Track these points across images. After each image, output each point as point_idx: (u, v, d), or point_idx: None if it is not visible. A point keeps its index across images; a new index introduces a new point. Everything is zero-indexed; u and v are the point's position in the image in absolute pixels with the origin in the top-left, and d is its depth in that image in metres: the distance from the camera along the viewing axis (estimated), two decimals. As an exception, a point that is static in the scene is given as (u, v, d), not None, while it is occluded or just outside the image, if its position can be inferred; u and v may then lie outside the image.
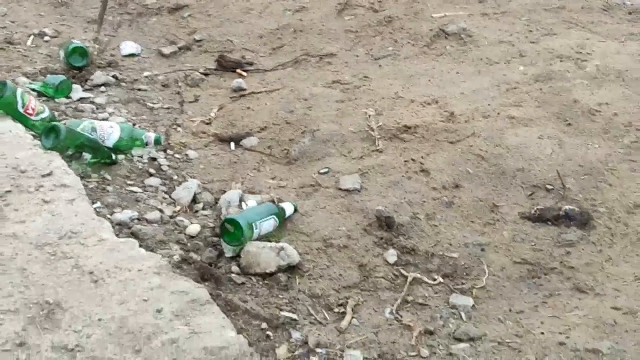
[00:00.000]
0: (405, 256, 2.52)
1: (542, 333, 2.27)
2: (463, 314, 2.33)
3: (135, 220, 2.58)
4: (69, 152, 2.78)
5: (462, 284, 2.45)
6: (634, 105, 3.03)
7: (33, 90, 3.06)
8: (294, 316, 2.29)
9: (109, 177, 2.78)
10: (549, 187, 2.69)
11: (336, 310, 2.34)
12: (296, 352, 2.18)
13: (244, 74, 3.50)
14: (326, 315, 2.32)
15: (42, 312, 2.17)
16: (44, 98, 3.07)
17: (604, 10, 3.75)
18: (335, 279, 2.44)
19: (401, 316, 2.32)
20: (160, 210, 2.66)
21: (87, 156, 2.83)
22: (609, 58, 3.22)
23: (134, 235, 2.48)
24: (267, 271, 2.41)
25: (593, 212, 2.63)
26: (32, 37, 3.58)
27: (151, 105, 3.27)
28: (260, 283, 2.40)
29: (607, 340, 2.22)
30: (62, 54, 3.42)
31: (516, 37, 3.54)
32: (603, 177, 2.75)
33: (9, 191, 2.57)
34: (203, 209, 2.72)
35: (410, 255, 2.53)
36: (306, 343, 2.21)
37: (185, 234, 2.56)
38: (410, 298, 2.38)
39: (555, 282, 2.44)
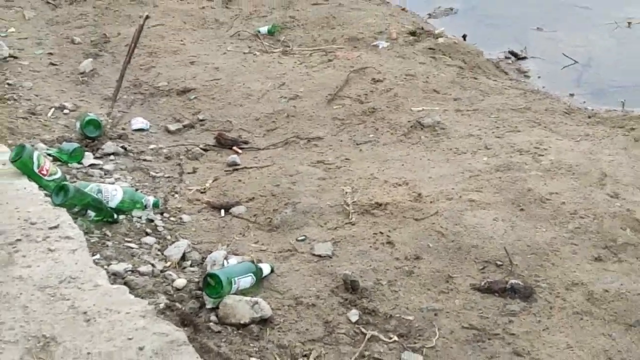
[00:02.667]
0: (366, 316, 2.48)
1: None
2: None
3: (129, 272, 2.60)
4: (76, 209, 2.81)
5: (415, 343, 2.41)
6: (580, 196, 3.05)
7: (49, 155, 3.11)
8: (262, 363, 2.35)
9: (109, 234, 2.79)
10: (499, 263, 2.71)
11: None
12: None
13: (239, 151, 3.51)
14: None
15: (38, 344, 2.23)
16: (58, 162, 3.12)
17: (566, 113, 3.76)
18: (302, 332, 2.42)
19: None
20: (153, 265, 2.65)
21: (91, 214, 2.85)
22: (562, 154, 3.25)
23: (126, 284, 2.49)
24: (242, 322, 2.42)
25: (536, 287, 2.64)
26: (52, 109, 3.63)
27: (154, 174, 3.31)
28: (235, 332, 2.38)
29: None
30: (78, 125, 3.47)
31: (484, 131, 3.50)
32: (547, 257, 2.76)
33: (19, 240, 2.62)
34: (191, 265, 2.70)
35: (371, 316, 2.50)
36: None
37: (172, 286, 2.56)
38: (367, 353, 2.33)
39: (497, 347, 2.43)
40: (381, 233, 2.88)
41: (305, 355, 2.37)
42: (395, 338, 2.46)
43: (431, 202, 3.03)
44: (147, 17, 4.18)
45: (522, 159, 3.28)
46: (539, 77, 4.25)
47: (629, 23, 4.63)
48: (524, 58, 4.36)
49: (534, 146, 3.38)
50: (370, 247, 2.82)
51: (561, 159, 3.26)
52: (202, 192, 3.22)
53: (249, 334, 2.43)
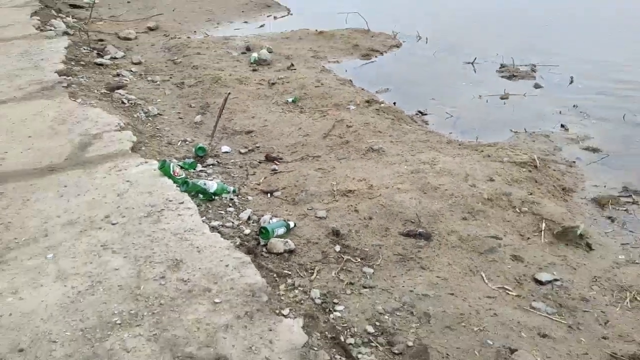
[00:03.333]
0: (344, 248, 2.49)
1: (404, 283, 2.30)
2: (368, 276, 2.35)
3: (221, 226, 2.63)
4: (192, 194, 2.84)
5: (369, 262, 2.42)
6: (454, 186, 2.97)
7: (179, 165, 3.11)
8: (290, 272, 2.35)
9: (210, 206, 2.83)
10: (413, 221, 2.69)
11: (310, 271, 2.35)
12: (288, 289, 2.25)
13: (278, 163, 3.48)
14: (304, 274, 2.35)
15: (173, 264, 2.25)
16: (183, 169, 3.13)
17: (447, 143, 3.73)
18: (310, 257, 2.42)
19: (340, 277, 2.36)
20: (232, 222, 2.69)
21: (201, 196, 2.88)
22: (446, 164, 3.21)
23: (219, 232, 2.53)
24: (279, 252, 2.44)
25: (432, 233, 2.64)
26: (180, 141, 3.64)
27: (233, 175, 3.31)
28: (275, 257, 2.43)
29: (432, 291, 2.26)
30: (193, 149, 3.48)
31: (405, 153, 3.45)
32: (438, 217, 2.72)
33: (163, 209, 2.64)
34: (252, 222, 2.71)
35: (346, 248, 2.50)
36: (294, 285, 2.28)
37: (243, 233, 2.59)
38: (344, 268, 2.39)
39: (412, 264, 2.41)
40: (351, 206, 2.84)
41: (312, 269, 2.40)
42: (359, 260, 2.48)
43: (377, 189, 2.98)
44: (229, 94, 4.18)
45: (424, 167, 3.23)
46: (433, 124, 4.22)
47: (506, 95, 4.53)
48: (425, 114, 4.33)
49: (430, 160, 3.32)
50: (346, 212, 2.78)
51: (445, 167, 3.21)
52: (258, 185, 3.18)
53: (283, 258, 2.45)
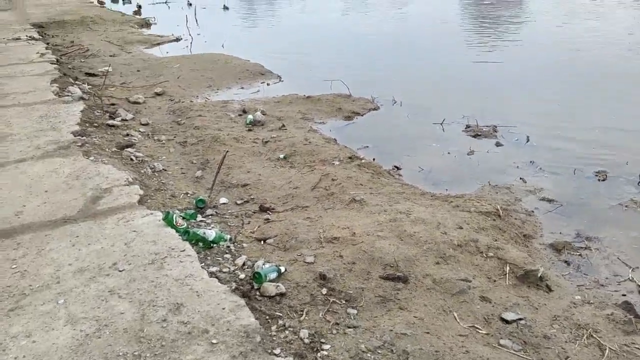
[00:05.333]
0: (330, 291, 2.44)
1: (385, 322, 2.27)
2: (352, 317, 2.33)
3: (218, 271, 2.61)
4: (193, 242, 2.83)
5: (353, 303, 2.40)
6: (427, 233, 2.99)
7: (181, 216, 3.09)
8: (281, 314, 2.33)
9: (209, 253, 2.80)
10: (391, 265, 2.69)
11: (299, 312, 2.33)
12: (279, 330, 2.22)
13: (270, 213, 3.48)
14: (293, 315, 2.32)
15: (175, 307, 2.22)
16: (185, 219, 3.11)
17: (421, 195, 3.76)
18: (300, 299, 2.41)
19: (327, 317, 2.33)
20: (229, 268, 2.66)
21: (200, 244, 2.86)
22: (420, 214, 3.21)
23: (217, 277, 2.52)
24: (271, 295, 2.42)
25: (409, 276, 2.63)
26: (182, 194, 3.63)
27: (230, 224, 3.29)
28: (267, 300, 2.41)
29: (410, 330, 2.23)
30: (194, 201, 3.47)
31: (383, 203, 3.44)
32: (414, 262, 2.72)
33: (166, 256, 2.63)
34: (247, 267, 2.68)
35: (332, 291, 2.45)
36: (284, 326, 2.24)
37: (238, 278, 2.56)
38: (331, 309, 2.35)
39: (391, 305, 2.40)
40: (336, 251, 2.82)
41: (301, 311, 2.39)
42: (344, 302, 2.48)
43: (360, 236, 2.98)
44: (227, 151, 4.22)
45: (401, 216, 3.23)
46: (408, 177, 4.27)
47: (471, 152, 4.60)
48: (401, 169, 4.39)
49: (406, 210, 3.34)
50: (332, 258, 2.76)
51: (419, 216, 3.22)
52: (252, 233, 3.16)
53: (275, 301, 2.43)
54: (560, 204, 3.80)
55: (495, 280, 2.71)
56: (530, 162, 4.54)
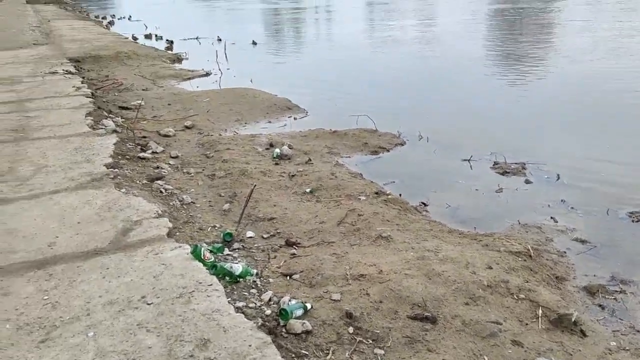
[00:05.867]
0: (357, 330, 2.45)
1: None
2: (379, 358, 2.31)
3: (244, 306, 2.61)
4: (220, 276, 2.85)
5: (380, 343, 2.40)
6: (456, 272, 2.95)
7: (208, 249, 3.12)
8: (307, 352, 2.31)
9: (235, 288, 2.80)
10: (420, 304, 2.66)
11: (325, 351, 2.33)
12: None
13: (296, 248, 3.48)
14: (319, 354, 2.31)
15: (202, 343, 2.22)
16: (212, 253, 3.14)
17: (449, 232, 3.73)
18: (326, 337, 2.40)
19: (353, 358, 2.30)
20: (255, 303, 2.67)
21: (227, 278, 2.88)
22: (448, 252, 3.19)
23: (243, 313, 2.52)
24: (297, 332, 2.42)
25: (438, 317, 2.60)
26: (210, 227, 3.66)
27: (256, 258, 3.30)
28: (294, 337, 2.40)
29: None
30: (222, 235, 3.50)
31: (411, 240, 3.44)
32: (442, 302, 2.70)
33: (193, 291, 2.64)
34: (273, 303, 2.69)
35: (359, 330, 2.47)
36: None
37: (264, 313, 2.57)
38: (357, 349, 2.34)
39: (420, 347, 2.39)
40: (363, 289, 2.81)
41: (327, 349, 2.39)
42: (371, 341, 2.45)
43: (387, 274, 2.96)
44: (255, 185, 4.28)
45: (429, 254, 3.21)
46: (435, 214, 4.24)
47: (500, 189, 4.56)
48: (427, 205, 4.36)
49: (434, 248, 3.31)
50: (358, 296, 2.75)
51: (447, 254, 3.19)
52: (278, 268, 3.16)
53: (301, 339, 2.43)
54: (593, 245, 3.72)
55: (527, 324, 2.64)
56: (561, 201, 4.47)
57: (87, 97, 7.32)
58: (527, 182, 4.90)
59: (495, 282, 2.92)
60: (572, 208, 4.35)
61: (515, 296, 2.84)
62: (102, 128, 5.71)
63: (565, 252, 3.64)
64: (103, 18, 27.05)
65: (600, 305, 3.02)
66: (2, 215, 3.61)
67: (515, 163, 5.28)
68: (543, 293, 2.89)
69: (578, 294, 3.15)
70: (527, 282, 3.00)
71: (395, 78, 10.03)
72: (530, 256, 3.32)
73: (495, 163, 5.35)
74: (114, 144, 5.16)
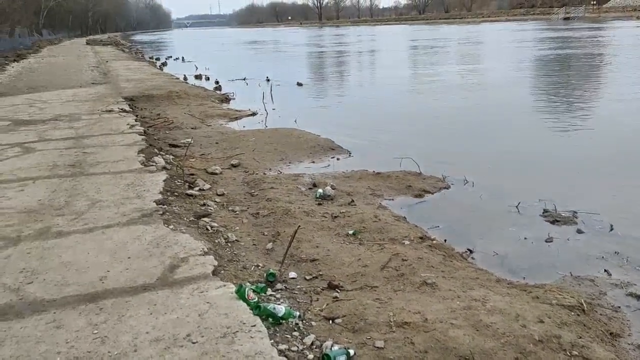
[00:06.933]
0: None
1: None
2: None
3: (287, 349, 2.60)
4: (263, 317, 2.86)
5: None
6: (505, 324, 2.86)
7: (252, 289, 3.14)
8: (350, 402, 2.27)
9: (277, 329, 2.82)
10: (467, 358, 2.57)
11: None
12: None
13: (339, 291, 3.46)
14: None
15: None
16: (255, 293, 3.15)
17: (496, 282, 3.64)
18: (369, 387, 2.39)
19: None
20: (297, 346, 2.66)
21: (270, 319, 2.88)
22: (496, 303, 3.10)
23: (285, 356, 2.52)
24: (340, 380, 2.41)
25: (485, 371, 2.50)
26: (253, 266, 3.69)
27: (298, 300, 3.29)
28: None
29: None
30: (265, 274, 3.52)
31: (457, 288, 3.37)
32: (492, 356, 2.62)
33: (237, 331, 2.66)
34: (315, 347, 2.67)
35: None
36: None
37: (307, 358, 2.56)
38: None
39: None
40: (407, 337, 2.76)
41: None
42: None
43: (432, 323, 2.90)
44: (299, 226, 4.31)
45: (476, 304, 3.13)
46: (482, 262, 4.15)
47: (550, 239, 4.46)
48: (473, 252, 4.28)
49: (481, 297, 3.23)
50: (402, 344, 2.70)
51: (496, 305, 3.10)
52: (321, 311, 3.14)
53: (344, 386, 2.36)
54: (650, 302, 3.54)
55: (581, 383, 2.52)
56: (615, 252, 4.29)
57: (140, 134, 7.65)
58: (579, 231, 4.74)
59: (547, 336, 2.80)
60: (627, 261, 4.16)
61: (568, 352, 2.71)
62: (153, 165, 5.94)
63: (619, 307, 3.47)
64: (157, 59, 28.46)
65: (658, 366, 2.85)
66: (57, 248, 3.77)
67: (566, 211, 5.13)
68: (597, 350, 2.75)
69: (634, 352, 2.98)
70: (581, 337, 2.87)
71: (441, 123, 10.03)
72: (584, 310, 3.19)
73: (545, 211, 5.21)
74: (164, 181, 5.34)
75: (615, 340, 3.09)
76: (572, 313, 3.13)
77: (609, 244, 4.47)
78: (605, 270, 4.01)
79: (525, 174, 6.61)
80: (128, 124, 8.43)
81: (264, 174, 6.58)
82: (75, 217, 4.38)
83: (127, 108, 10.17)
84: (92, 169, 5.83)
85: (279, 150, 7.76)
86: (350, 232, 4.52)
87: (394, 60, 23.21)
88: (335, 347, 2.63)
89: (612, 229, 4.75)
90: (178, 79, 17.15)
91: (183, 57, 28.71)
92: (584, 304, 3.24)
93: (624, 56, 19.72)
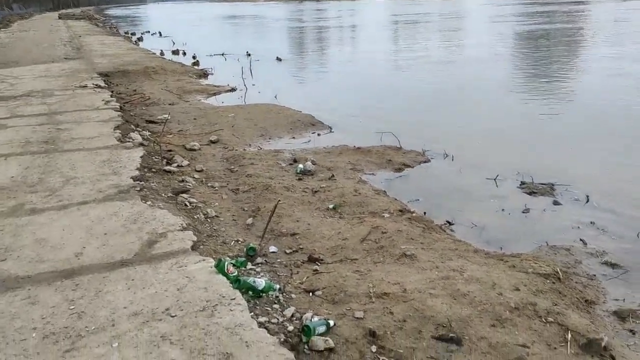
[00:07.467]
0: (380, 349, 2.44)
1: None
2: None
3: (267, 322, 2.61)
4: (243, 290, 2.86)
5: (403, 364, 2.39)
6: (483, 292, 2.89)
7: (231, 263, 3.13)
8: (329, 370, 2.30)
9: (258, 302, 2.81)
10: (444, 325, 2.62)
11: None
12: None
13: (319, 264, 3.48)
14: None
15: (224, 357, 2.22)
16: (235, 267, 3.15)
17: (474, 252, 3.68)
18: (349, 356, 2.41)
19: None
20: (277, 319, 2.67)
21: (250, 292, 2.88)
22: (473, 272, 3.14)
23: (266, 328, 2.52)
24: (320, 349, 2.43)
25: (463, 338, 2.56)
26: (233, 241, 3.67)
27: (279, 273, 3.30)
28: (316, 354, 2.41)
29: None
30: (245, 249, 3.52)
31: (435, 259, 3.40)
32: (468, 323, 2.65)
33: (217, 304, 2.66)
34: (295, 319, 2.69)
35: (382, 349, 2.46)
36: None
37: (287, 329, 2.58)
38: None
39: None
40: (386, 307, 2.78)
41: (349, 368, 2.33)
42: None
43: (411, 293, 2.93)
44: (279, 200, 4.30)
45: (453, 274, 3.17)
46: (460, 234, 4.20)
47: (527, 210, 4.49)
48: (452, 224, 4.32)
49: (459, 268, 3.28)
50: (382, 314, 2.72)
51: (473, 275, 3.15)
52: (301, 283, 3.16)
53: (323, 356, 2.43)
54: (624, 270, 3.63)
55: (555, 348, 2.58)
56: (591, 222, 4.38)
57: (116, 110, 7.50)
58: (556, 203, 4.82)
59: (523, 304, 2.86)
60: (602, 230, 4.26)
61: (543, 319, 2.78)
62: (129, 141, 5.84)
63: (595, 276, 3.56)
64: (132, 34, 27.78)
65: (630, 331, 2.93)
66: (31, 225, 3.70)
67: (543, 183, 5.21)
68: (572, 317, 2.82)
69: (608, 318, 3.07)
70: (556, 305, 2.93)
71: (420, 97, 10.02)
72: (559, 279, 3.26)
73: (522, 183, 5.28)
74: (141, 157, 5.27)
75: (590, 307, 3.17)
76: (548, 281, 3.20)
77: (584, 215, 4.56)
78: (580, 240, 4.10)
79: (504, 147, 6.67)
80: (103, 100, 8.25)
81: (244, 150, 6.52)
82: (49, 194, 4.30)
83: (101, 84, 9.94)
84: (66, 146, 5.71)
85: (259, 126, 7.68)
86: (331, 206, 4.54)
87: (375, 35, 23.04)
88: (315, 319, 2.65)
89: (588, 200, 4.83)
90: (155, 54, 16.79)
91: (160, 32, 28.07)
92: (560, 272, 3.31)
93: (607, 32, 19.86)
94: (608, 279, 3.53)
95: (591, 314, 3.07)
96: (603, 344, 2.59)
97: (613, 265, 3.70)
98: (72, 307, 2.66)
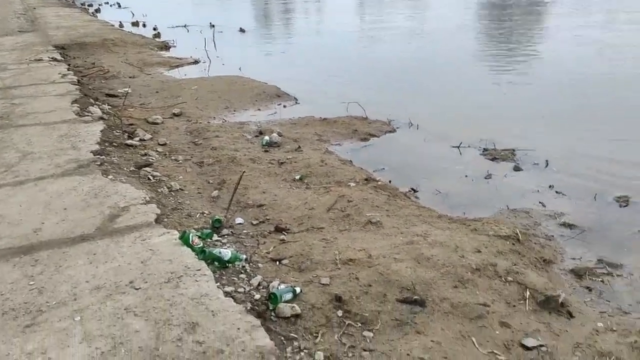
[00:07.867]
0: (346, 314, 2.50)
1: (401, 346, 2.25)
2: (368, 340, 2.32)
3: (233, 291, 2.63)
4: (209, 261, 2.85)
5: (368, 326, 2.42)
6: (445, 255, 2.96)
7: (197, 235, 3.11)
8: (296, 335, 2.33)
9: (224, 273, 2.83)
10: (408, 288, 2.67)
11: (314, 334, 2.37)
12: (294, 352, 2.22)
13: (286, 233, 3.50)
14: (309, 337, 2.34)
15: (189, 326, 2.22)
16: (201, 238, 3.12)
17: (438, 217, 3.74)
18: (315, 321, 2.44)
19: (342, 340, 2.31)
20: (244, 288, 2.69)
21: (216, 263, 2.88)
22: (437, 237, 3.20)
23: (232, 297, 2.53)
24: (286, 316, 2.45)
25: (427, 299, 2.62)
26: (198, 214, 3.65)
27: (245, 244, 3.30)
28: (283, 321, 2.44)
29: (427, 354, 2.19)
30: (210, 221, 3.50)
31: (400, 225, 3.44)
32: (431, 285, 2.72)
33: (182, 276, 2.64)
34: (262, 288, 2.72)
35: (348, 313, 2.50)
36: (300, 347, 2.24)
37: (253, 298, 2.60)
38: (346, 332, 2.37)
39: (408, 329, 2.41)
40: (352, 273, 2.81)
41: (316, 333, 2.38)
42: (360, 325, 2.47)
43: (376, 258, 2.97)
44: (244, 172, 4.26)
45: (418, 239, 3.23)
46: (425, 200, 4.26)
47: (489, 175, 4.60)
48: (417, 191, 4.37)
49: (423, 233, 3.33)
50: (347, 280, 2.75)
51: (436, 239, 3.21)
52: (267, 253, 3.17)
53: (290, 322, 2.47)
54: (581, 230, 3.76)
55: (514, 306, 2.67)
56: (550, 186, 4.51)
57: (73, 84, 7.24)
58: (516, 168, 4.93)
59: (484, 265, 2.94)
60: (560, 193, 4.39)
61: (503, 279, 2.87)
62: (88, 115, 5.66)
63: (553, 236, 3.68)
64: (90, 5, 26.69)
65: (587, 288, 3.06)
66: (-14, 202, 3.58)
67: (505, 149, 5.32)
68: (531, 275, 2.92)
69: (565, 276, 3.19)
70: (515, 265, 3.03)
71: (387, 68, 10.00)
72: (519, 240, 3.35)
73: (485, 150, 5.38)
74: (101, 131, 5.12)
75: (548, 266, 3.28)
76: (508, 243, 3.29)
77: (544, 179, 4.68)
78: (540, 203, 4.22)
79: (467, 116, 6.75)
80: (60, 74, 7.95)
81: (208, 122, 6.42)
82: (5, 169, 4.15)
83: (58, 57, 9.56)
84: (21, 121, 5.50)
85: (223, 98, 7.55)
86: (297, 177, 4.53)
87: (341, 7, 22.75)
88: (282, 286, 2.67)
89: (547, 165, 4.96)
90: (113, 26, 16.19)
91: (119, 3, 27.06)
92: (519, 234, 3.41)
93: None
94: (566, 239, 3.65)
95: (549, 273, 3.18)
96: (560, 300, 2.69)
97: (570, 226, 3.83)
98: (32, 282, 2.60)
